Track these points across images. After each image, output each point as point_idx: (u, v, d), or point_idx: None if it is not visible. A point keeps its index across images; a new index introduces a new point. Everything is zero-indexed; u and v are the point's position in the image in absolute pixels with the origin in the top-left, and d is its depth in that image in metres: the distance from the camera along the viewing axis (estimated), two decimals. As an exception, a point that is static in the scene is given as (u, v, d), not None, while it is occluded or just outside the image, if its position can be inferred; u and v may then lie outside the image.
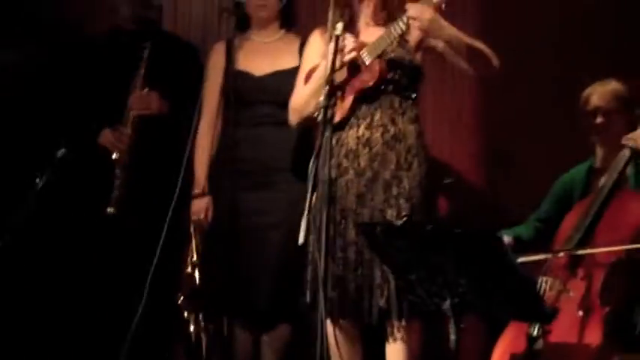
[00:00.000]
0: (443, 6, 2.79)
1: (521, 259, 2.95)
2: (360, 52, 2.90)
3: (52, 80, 3.88)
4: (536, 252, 3.08)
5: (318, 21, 3.13)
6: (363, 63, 2.89)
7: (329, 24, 2.76)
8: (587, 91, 3.36)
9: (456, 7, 3.76)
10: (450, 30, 2.88)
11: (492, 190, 3.93)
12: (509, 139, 3.87)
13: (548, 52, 3.83)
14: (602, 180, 3.12)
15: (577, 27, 3.78)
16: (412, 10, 2.78)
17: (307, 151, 3.19)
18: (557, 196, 3.41)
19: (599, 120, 3.31)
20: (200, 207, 3.46)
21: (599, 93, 3.33)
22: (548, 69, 3.80)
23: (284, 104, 3.24)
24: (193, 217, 3.47)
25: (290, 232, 3.06)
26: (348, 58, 2.84)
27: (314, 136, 3.15)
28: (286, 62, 3.42)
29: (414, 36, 2.96)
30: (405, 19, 2.80)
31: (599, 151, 3.36)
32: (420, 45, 2.98)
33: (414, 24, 2.79)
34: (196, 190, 3.47)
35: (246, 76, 3.42)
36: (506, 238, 3.29)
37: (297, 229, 2.64)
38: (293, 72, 3.30)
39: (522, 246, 3.27)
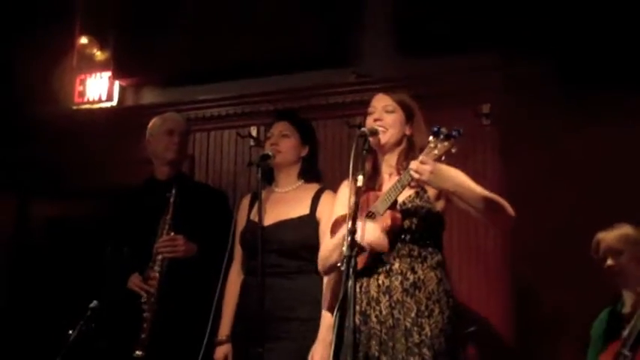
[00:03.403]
0: (443, 158, 2.71)
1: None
2: (375, 204, 2.92)
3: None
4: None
5: (338, 172, 3.12)
6: (378, 214, 2.90)
7: (350, 176, 2.74)
8: (597, 237, 3.42)
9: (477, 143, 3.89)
10: (456, 180, 2.84)
11: (519, 334, 3.89)
12: (535, 280, 3.86)
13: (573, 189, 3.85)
14: (628, 329, 3.10)
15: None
16: (413, 163, 2.78)
17: (313, 300, 3.25)
18: (597, 344, 3.38)
19: (609, 263, 3.35)
20: (222, 354, 3.45)
21: (608, 237, 3.38)
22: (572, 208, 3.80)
23: (288, 254, 3.31)
24: None
25: None
26: None
27: (319, 286, 3.19)
28: (293, 212, 3.43)
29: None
30: (409, 171, 2.79)
31: (626, 297, 3.36)
32: (441, 194, 2.97)
33: (415, 176, 2.77)
34: (219, 337, 3.47)
35: (254, 226, 3.42)
36: None
37: None
38: (298, 221, 3.37)
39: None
